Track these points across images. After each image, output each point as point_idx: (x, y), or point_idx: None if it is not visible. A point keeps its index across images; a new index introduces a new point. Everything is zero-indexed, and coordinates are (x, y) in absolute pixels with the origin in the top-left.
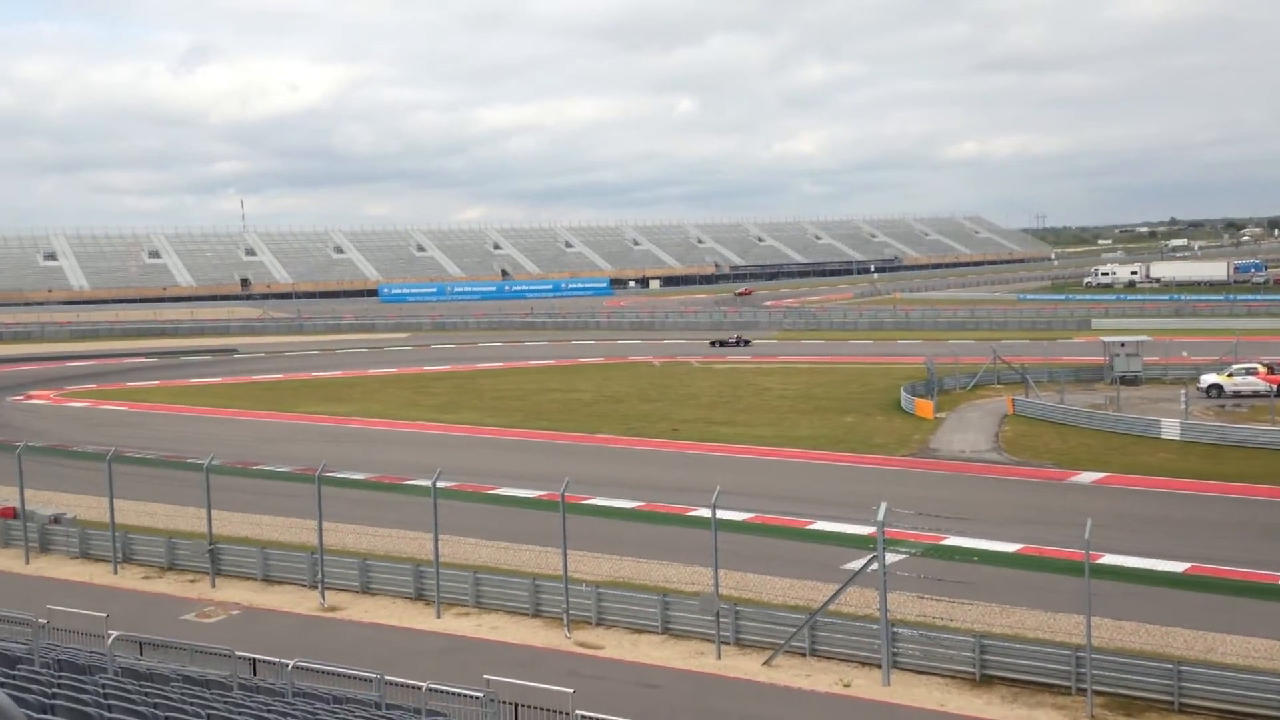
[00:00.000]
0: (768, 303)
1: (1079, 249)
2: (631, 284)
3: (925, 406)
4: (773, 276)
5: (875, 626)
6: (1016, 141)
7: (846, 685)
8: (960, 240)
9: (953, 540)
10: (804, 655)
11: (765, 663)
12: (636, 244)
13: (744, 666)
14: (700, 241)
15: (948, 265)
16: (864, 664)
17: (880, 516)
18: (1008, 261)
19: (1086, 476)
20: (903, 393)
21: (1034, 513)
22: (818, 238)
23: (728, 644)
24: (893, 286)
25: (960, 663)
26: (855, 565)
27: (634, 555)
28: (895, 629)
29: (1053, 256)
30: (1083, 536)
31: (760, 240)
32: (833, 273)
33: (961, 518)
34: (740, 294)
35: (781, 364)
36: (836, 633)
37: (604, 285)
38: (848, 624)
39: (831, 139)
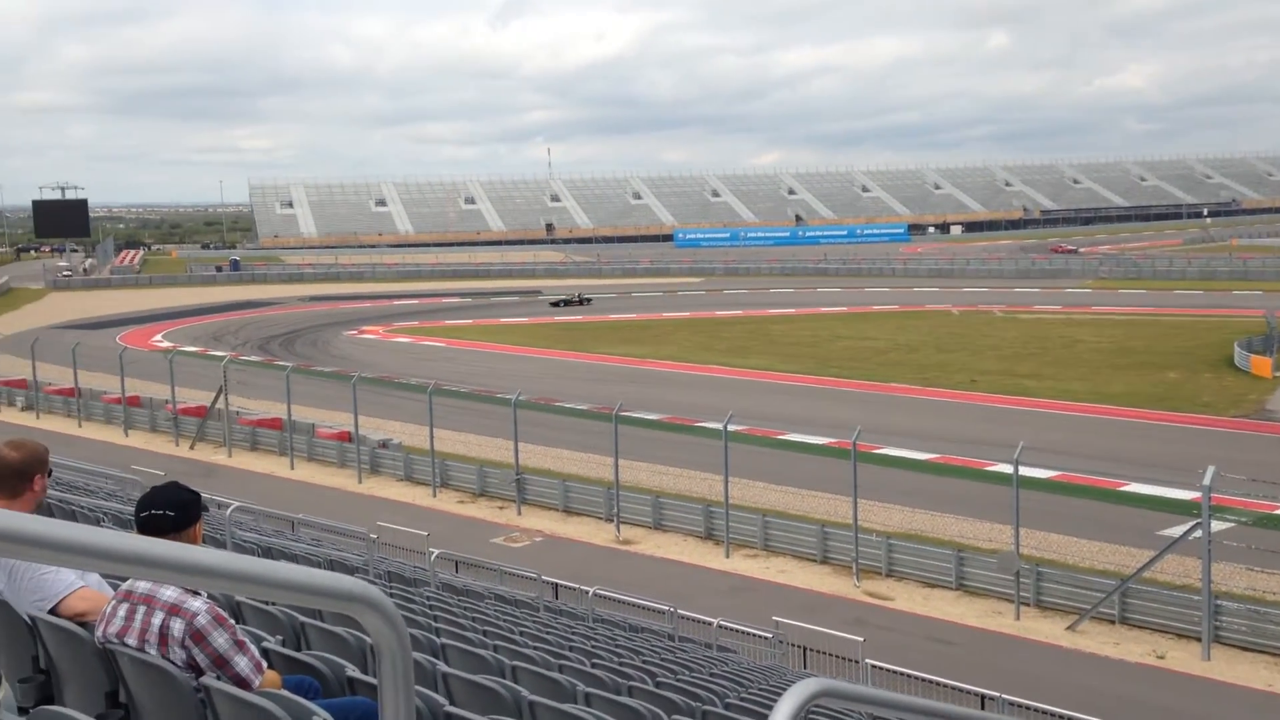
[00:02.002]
0: (1082, 249)
1: None
2: (931, 229)
3: (1263, 364)
4: (1088, 221)
5: (1195, 597)
6: None
7: (1160, 657)
8: None
9: None
10: (1113, 623)
11: (1069, 627)
12: (937, 188)
13: (1045, 629)
14: (1008, 184)
15: None
16: (1179, 636)
17: (1207, 481)
18: None
19: None
20: (1236, 348)
21: None
22: (1142, 179)
23: (1027, 605)
24: (1228, 232)
25: None
26: (1175, 532)
27: (927, 508)
28: (1218, 601)
29: None
30: None
31: (1076, 182)
32: (1158, 217)
33: None
34: (1056, 250)
35: (1096, 315)
36: (1151, 601)
37: (901, 231)
38: (1163, 593)
39: (1162, 72)
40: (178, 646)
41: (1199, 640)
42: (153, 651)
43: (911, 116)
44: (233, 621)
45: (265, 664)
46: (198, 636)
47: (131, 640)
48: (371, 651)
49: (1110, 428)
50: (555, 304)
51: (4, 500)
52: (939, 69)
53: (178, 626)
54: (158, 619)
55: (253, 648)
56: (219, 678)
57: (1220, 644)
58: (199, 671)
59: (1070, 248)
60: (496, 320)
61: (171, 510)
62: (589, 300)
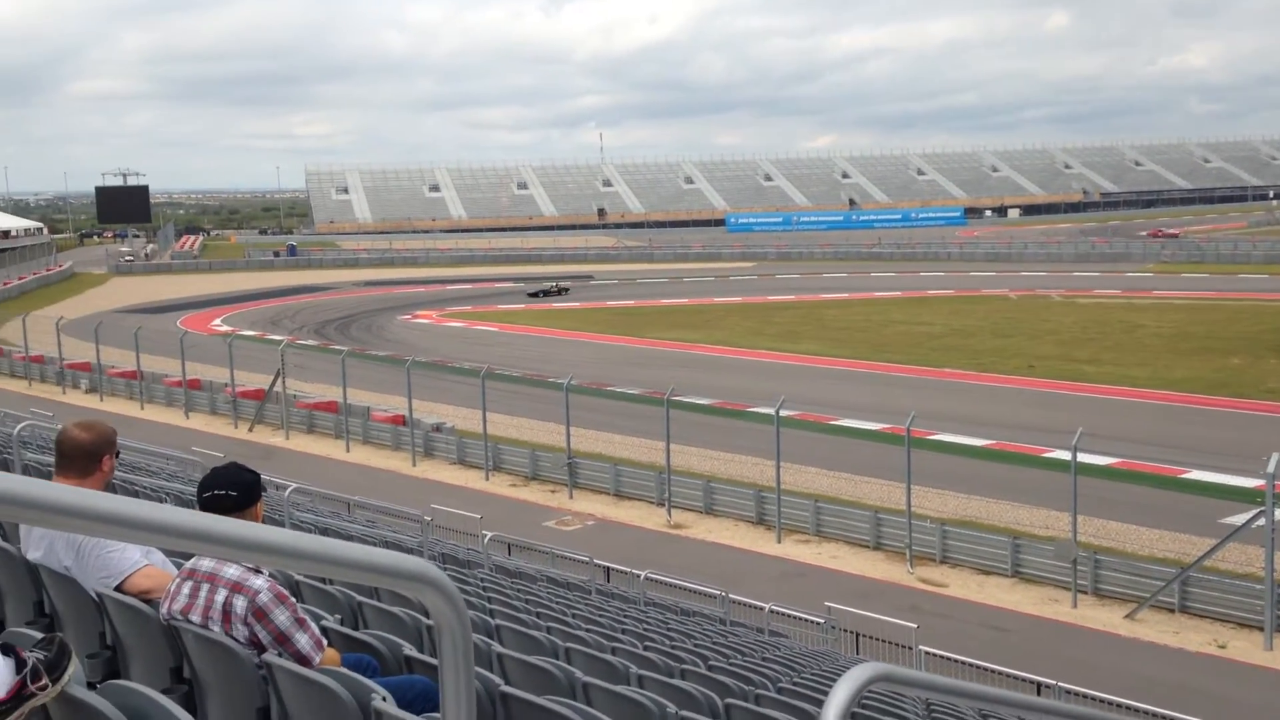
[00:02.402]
0: (1142, 233)
1: None
2: (987, 213)
3: None
4: (1150, 204)
5: (1258, 586)
6: None
7: (1221, 646)
8: None
9: None
10: (1172, 611)
11: (1128, 615)
12: (994, 170)
13: (1103, 618)
14: (1067, 167)
15: None
16: (1241, 625)
17: (1271, 468)
18: None
19: None
20: None
21: None
22: (1206, 161)
23: (1085, 593)
24: None
25: None
26: (1237, 519)
27: (982, 495)
28: None
29: None
30: None
31: (1137, 164)
32: (1222, 199)
33: None
34: (1155, 234)
35: (1157, 299)
36: (1212, 590)
37: (957, 214)
38: (1224, 582)
39: (1229, 50)
40: (240, 623)
41: (1261, 630)
42: (216, 628)
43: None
44: (293, 599)
45: (325, 641)
46: (260, 613)
47: (195, 617)
48: (428, 631)
49: (1171, 414)
50: (533, 294)
51: (75, 480)
52: (996, 50)
53: (240, 603)
54: (221, 596)
55: (313, 625)
56: (280, 655)
57: None
58: (261, 648)
59: (1173, 230)
60: (548, 305)
61: (234, 490)
62: (566, 289)
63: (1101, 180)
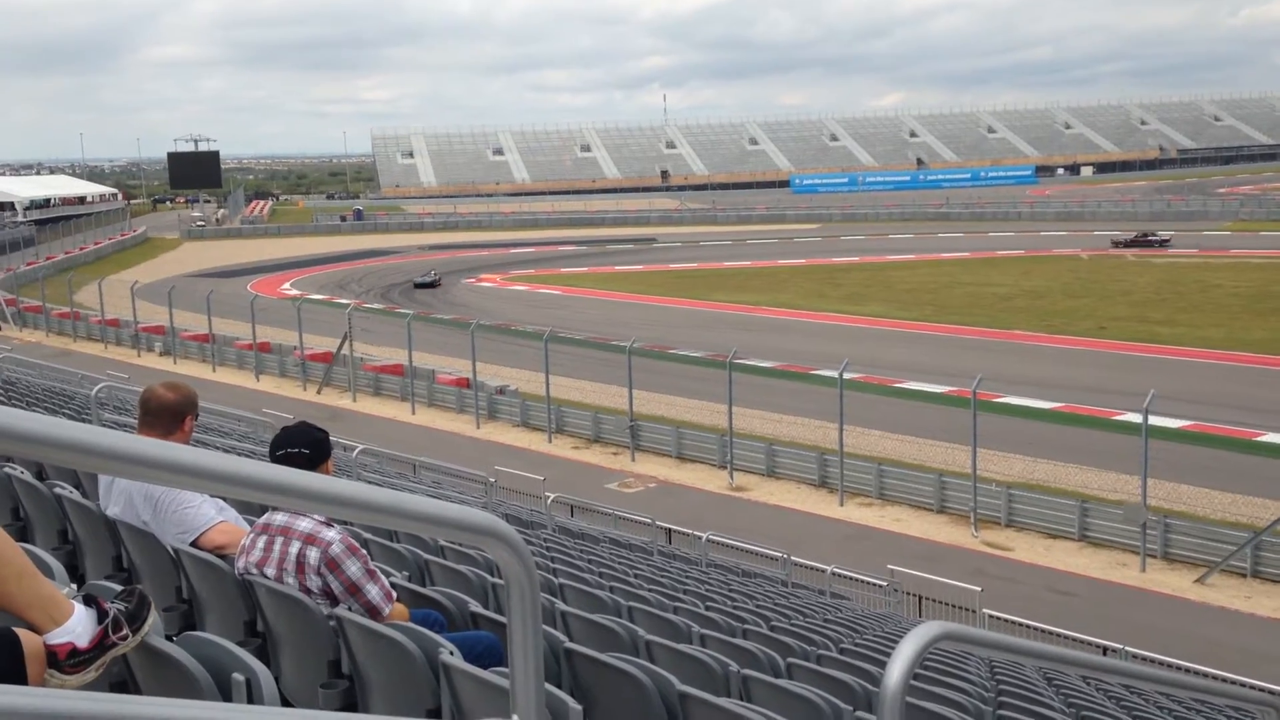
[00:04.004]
0: (1220, 190)
1: None
2: (1060, 171)
3: None
4: (1229, 160)
5: None
6: None
7: None
8: None
9: None
10: (1244, 576)
11: (1197, 580)
12: (1068, 127)
13: (1172, 582)
14: (1143, 123)
15: None
16: None
17: None
18: None
19: None
20: None
21: None
22: None
23: (1154, 557)
24: None
25: None
26: None
27: (1049, 458)
28: None
29: None
30: None
31: (1217, 120)
32: None
33: None
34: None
35: (1235, 259)
36: None
37: (1028, 173)
38: None
39: None
40: (314, 574)
41: None
42: (290, 580)
43: (1041, 53)
44: (365, 551)
45: (394, 595)
46: (332, 564)
47: (270, 570)
48: (493, 589)
49: (1247, 376)
50: (418, 285)
51: (158, 437)
52: (1071, 2)
53: (314, 555)
54: (294, 548)
55: (383, 578)
56: (351, 607)
57: None
58: (333, 599)
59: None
60: (611, 268)
61: (306, 448)
62: (438, 283)
63: (1179, 136)
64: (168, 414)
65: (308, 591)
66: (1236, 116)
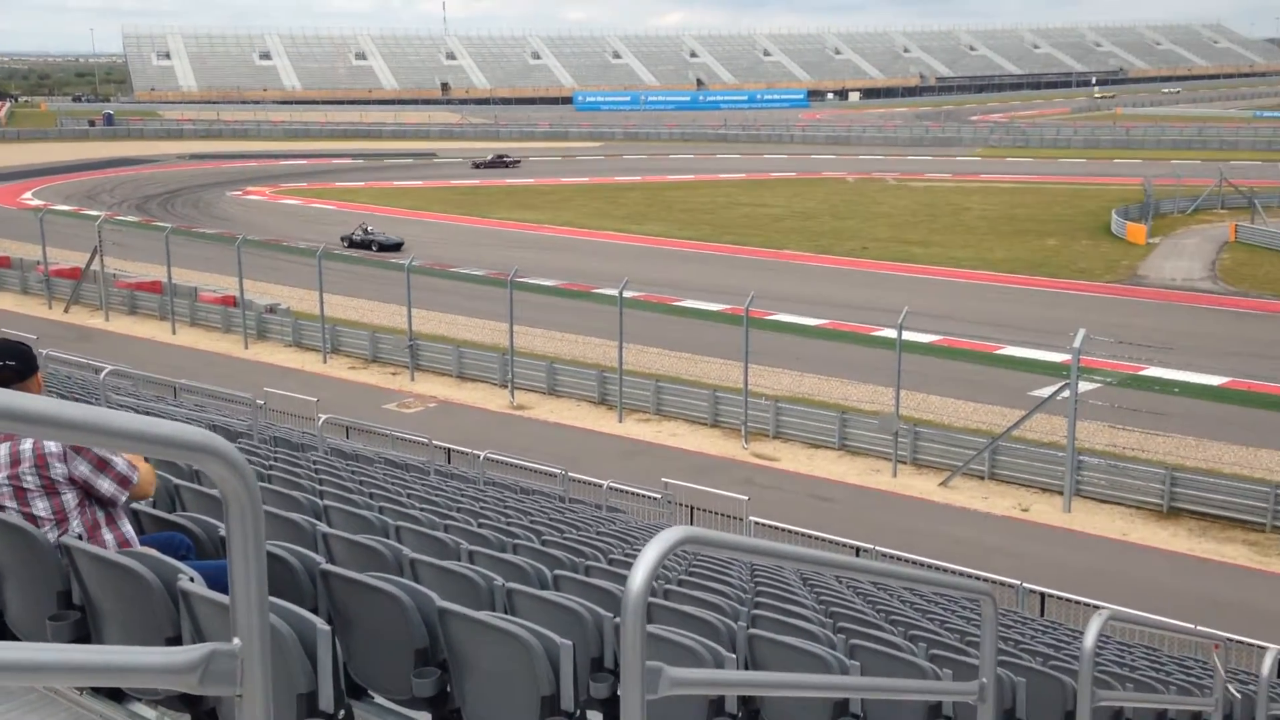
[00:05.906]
0: (973, 118)
1: None
2: (830, 96)
3: (1137, 231)
4: (982, 89)
5: (1060, 454)
6: None
7: (1025, 510)
8: (1195, 51)
9: (1152, 371)
10: (982, 479)
11: (942, 483)
12: (837, 53)
13: (920, 486)
14: (906, 50)
15: (1178, 78)
16: (1044, 490)
17: (1076, 343)
18: (1246, 75)
19: None
20: (1114, 216)
21: (1246, 345)
22: (1035, 47)
23: (904, 463)
24: (1114, 101)
25: (1147, 494)
26: (1045, 392)
27: (815, 372)
28: (1081, 457)
29: None
30: None
31: (972, 49)
32: (1049, 85)
33: (1165, 347)
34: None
35: (983, 183)
36: (1018, 458)
37: (800, 97)
38: (1030, 450)
39: None
40: (58, 461)
41: (1061, 494)
42: (31, 479)
43: None
44: None
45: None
46: (75, 447)
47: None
48: None
49: (991, 293)
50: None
51: None
52: None
53: (53, 445)
54: (27, 444)
55: (120, 456)
56: (102, 485)
57: (1081, 497)
58: (84, 491)
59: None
60: (389, 183)
61: (13, 359)
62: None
63: (937, 65)
64: None
65: (51, 487)
66: (989, 46)
